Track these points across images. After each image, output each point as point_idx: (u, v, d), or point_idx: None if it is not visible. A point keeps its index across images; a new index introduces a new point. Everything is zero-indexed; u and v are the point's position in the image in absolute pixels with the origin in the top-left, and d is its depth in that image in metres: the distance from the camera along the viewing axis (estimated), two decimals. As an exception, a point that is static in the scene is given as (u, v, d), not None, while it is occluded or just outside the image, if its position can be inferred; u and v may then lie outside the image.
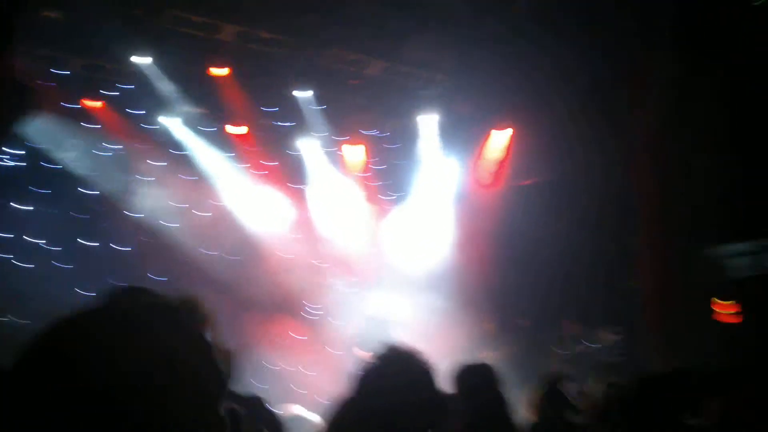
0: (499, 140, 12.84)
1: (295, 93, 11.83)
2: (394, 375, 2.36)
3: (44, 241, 11.34)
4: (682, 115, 10.21)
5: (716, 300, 10.24)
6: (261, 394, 4.22)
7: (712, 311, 10.25)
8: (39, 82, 10.07)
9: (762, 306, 9.86)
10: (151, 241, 11.90)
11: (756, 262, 10.16)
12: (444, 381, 2.81)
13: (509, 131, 12.73)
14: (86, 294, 10.50)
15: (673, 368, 4.56)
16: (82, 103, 11.33)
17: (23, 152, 11.11)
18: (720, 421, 2.97)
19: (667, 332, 10.23)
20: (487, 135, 12.85)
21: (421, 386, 2.36)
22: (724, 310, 10.18)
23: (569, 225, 12.06)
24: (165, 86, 11.08)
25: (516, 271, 12.36)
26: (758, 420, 2.88)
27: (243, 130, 12.32)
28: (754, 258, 10.20)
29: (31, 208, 11.32)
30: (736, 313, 10.14)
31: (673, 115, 10.35)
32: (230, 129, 12.32)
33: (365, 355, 9.71)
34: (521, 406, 5.22)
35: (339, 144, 13.04)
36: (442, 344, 11.17)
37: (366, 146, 13.27)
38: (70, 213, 11.59)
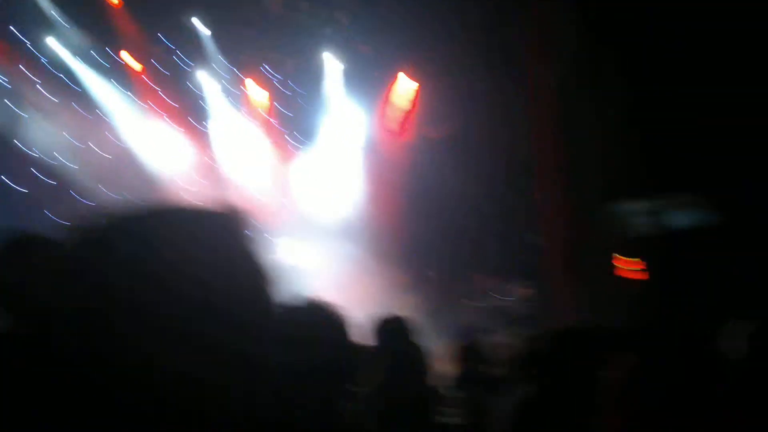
0: (405, 89, 12.66)
1: (193, 25, 11.36)
2: (306, 328, 2.18)
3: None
4: (586, 69, 10.29)
5: (618, 256, 10.49)
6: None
7: (603, 266, 10.50)
8: None
9: (664, 264, 10.16)
10: (48, 180, 11.24)
11: (659, 221, 10.43)
12: (359, 334, 2.69)
13: (414, 84, 12.58)
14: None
15: (587, 323, 4.62)
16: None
17: None
18: (628, 376, 3.02)
19: (572, 288, 10.43)
20: (392, 80, 12.64)
21: (336, 339, 2.20)
22: (628, 266, 10.45)
23: (476, 179, 12.12)
24: (53, 11, 10.38)
25: (425, 223, 12.37)
26: (662, 378, 2.95)
27: (138, 65, 11.70)
28: (657, 216, 10.47)
29: None
30: (641, 270, 10.41)
31: (576, 69, 10.41)
32: (126, 60, 11.66)
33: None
34: (437, 359, 5.20)
35: (241, 82, 12.56)
36: (354, 295, 11.12)
37: (268, 86, 12.79)
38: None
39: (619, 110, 9.89)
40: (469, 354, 5.14)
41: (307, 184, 12.82)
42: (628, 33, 9.56)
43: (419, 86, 12.59)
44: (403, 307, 11.76)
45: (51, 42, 11.11)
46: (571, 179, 10.68)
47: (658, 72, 9.45)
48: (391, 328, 3.92)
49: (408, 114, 12.76)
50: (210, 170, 12.59)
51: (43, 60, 11.21)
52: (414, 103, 12.68)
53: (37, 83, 11.13)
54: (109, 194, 11.45)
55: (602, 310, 9.55)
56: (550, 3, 10.49)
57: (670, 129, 9.49)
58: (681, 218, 10.31)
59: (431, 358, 4.29)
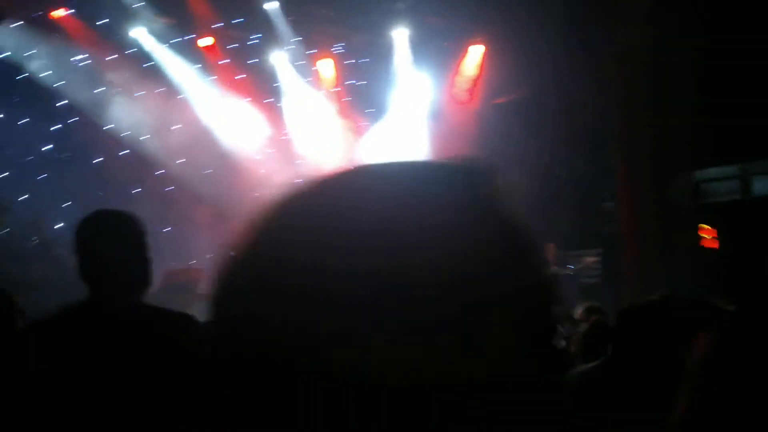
0: (473, 57, 12.57)
1: (264, 5, 11.50)
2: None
3: (14, 152, 11.05)
4: (661, 33, 9.97)
5: (703, 226, 10.20)
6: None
7: (688, 235, 10.23)
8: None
9: (738, 232, 9.87)
10: (124, 154, 11.66)
11: (733, 188, 10.11)
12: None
13: (482, 48, 12.44)
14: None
15: (660, 296, 4.50)
16: (48, 12, 10.86)
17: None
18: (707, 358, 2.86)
19: (643, 255, 10.23)
20: (463, 51, 12.56)
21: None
22: (708, 234, 10.18)
23: (545, 143, 11.96)
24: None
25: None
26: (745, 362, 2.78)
27: (209, 41, 11.93)
28: (731, 183, 10.14)
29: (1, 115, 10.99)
30: (713, 238, 10.15)
31: (651, 32, 10.10)
32: (199, 41, 11.94)
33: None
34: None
35: (310, 58, 12.68)
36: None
37: (337, 61, 12.92)
38: (40, 124, 11.26)
39: (699, 74, 9.56)
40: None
41: (375, 154, 12.90)
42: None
43: (487, 52, 12.43)
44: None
45: (134, 30, 11.51)
46: (645, 144, 10.42)
47: (740, 31, 9.09)
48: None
49: (476, 81, 12.64)
50: (284, 146, 12.81)
51: (124, 45, 11.61)
52: (481, 67, 12.54)
53: (120, 66, 11.50)
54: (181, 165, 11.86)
55: (682, 282, 9.35)
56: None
57: (752, 91, 9.15)
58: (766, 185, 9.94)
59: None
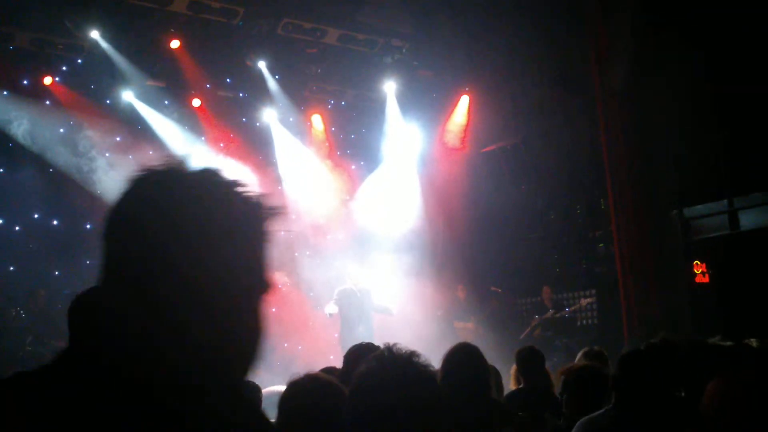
0: (462, 106, 12.83)
1: (252, 63, 11.64)
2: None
3: (2, 221, 10.99)
4: (648, 75, 10.12)
5: (698, 262, 10.23)
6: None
7: (681, 272, 10.25)
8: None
9: (727, 266, 9.90)
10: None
11: (722, 223, 10.16)
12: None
13: (469, 97, 12.72)
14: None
15: (661, 339, 4.48)
16: (33, 78, 10.93)
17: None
18: (715, 401, 2.79)
19: (638, 294, 10.23)
20: (452, 100, 12.82)
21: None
22: (699, 270, 10.21)
23: (537, 188, 12.04)
24: (118, 60, 10.78)
25: (486, 237, 12.34)
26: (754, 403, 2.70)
27: (197, 102, 12.02)
28: (720, 219, 10.19)
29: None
30: (703, 273, 10.18)
31: (638, 74, 10.25)
32: (188, 102, 12.02)
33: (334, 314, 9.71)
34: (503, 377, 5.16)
35: (301, 113, 12.82)
36: (417, 310, 11.18)
37: (328, 115, 13.10)
38: (30, 192, 11.21)
39: (686, 111, 9.67)
40: (530, 373, 5.07)
41: (369, 203, 12.96)
42: (694, 32, 9.36)
43: (475, 101, 12.66)
44: (465, 325, 11.80)
45: (123, 94, 11.55)
46: (636, 183, 10.49)
47: (725, 71, 9.24)
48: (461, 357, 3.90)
49: (465, 129, 12.81)
50: (276, 201, 12.78)
51: (114, 106, 11.64)
52: (470, 117, 12.76)
53: (110, 130, 11.54)
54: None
55: (677, 319, 9.35)
56: (612, 13, 10.36)
57: (740, 129, 9.29)
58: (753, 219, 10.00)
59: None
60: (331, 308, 9.92)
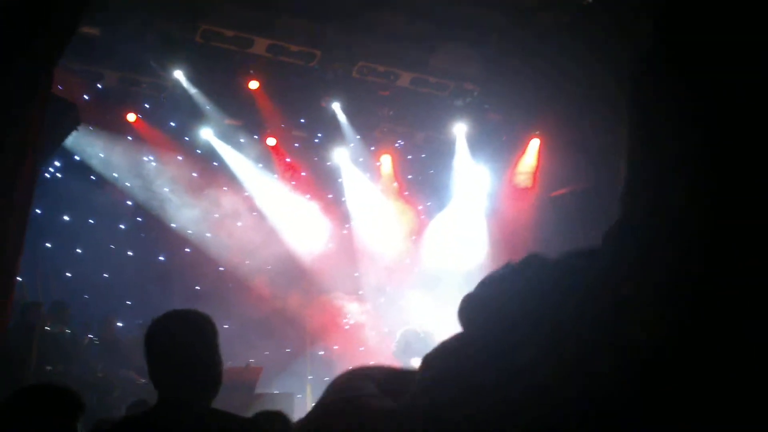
0: (531, 149, 12.82)
1: (327, 105, 11.92)
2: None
3: (81, 251, 11.44)
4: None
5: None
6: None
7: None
8: (78, 96, 10.18)
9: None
10: (186, 252, 11.97)
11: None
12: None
13: (539, 140, 12.71)
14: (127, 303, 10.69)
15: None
16: (118, 114, 11.42)
17: (61, 164, 11.26)
18: None
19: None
20: (521, 144, 12.82)
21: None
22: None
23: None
24: (198, 99, 11.19)
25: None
26: None
27: (272, 141, 12.36)
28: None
29: (68, 218, 11.44)
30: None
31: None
32: (263, 140, 12.37)
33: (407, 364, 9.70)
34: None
35: (371, 154, 13.03)
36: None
37: (398, 156, 13.30)
38: (107, 223, 11.67)
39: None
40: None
41: (435, 245, 12.97)
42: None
43: (545, 144, 12.65)
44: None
45: (202, 131, 11.97)
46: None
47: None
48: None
49: (535, 173, 12.77)
50: (346, 241, 12.96)
51: (192, 143, 12.11)
52: (539, 161, 12.73)
53: (187, 166, 12.00)
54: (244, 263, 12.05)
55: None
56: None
57: None
58: None
59: None
60: (414, 361, 9.86)
